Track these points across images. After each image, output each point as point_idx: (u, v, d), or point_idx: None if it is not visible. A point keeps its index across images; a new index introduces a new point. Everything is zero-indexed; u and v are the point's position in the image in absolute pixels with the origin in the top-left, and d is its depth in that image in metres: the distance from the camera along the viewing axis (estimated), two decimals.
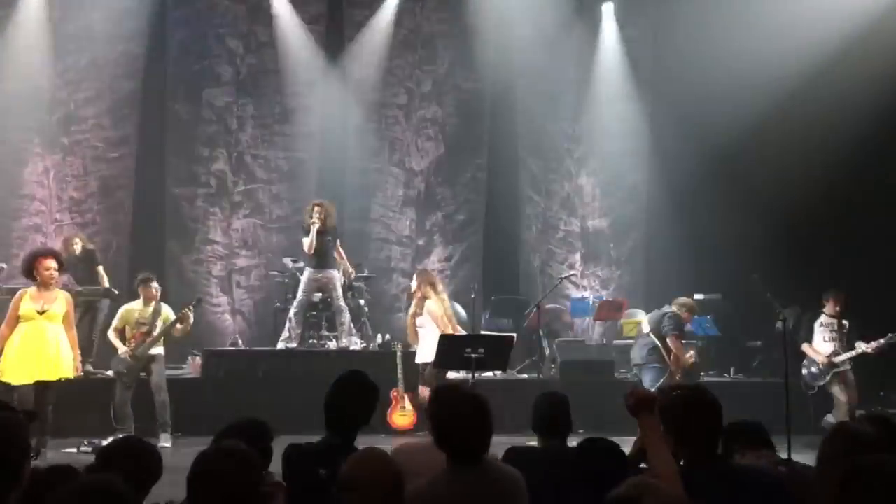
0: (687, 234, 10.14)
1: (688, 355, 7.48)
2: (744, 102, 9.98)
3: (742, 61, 9.88)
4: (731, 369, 9.66)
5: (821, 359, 7.88)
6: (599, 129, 11.01)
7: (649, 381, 7.35)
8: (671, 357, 7.47)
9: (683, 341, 7.72)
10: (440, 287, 7.56)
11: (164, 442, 7.01)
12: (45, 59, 9.50)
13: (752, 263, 8.75)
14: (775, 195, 9.82)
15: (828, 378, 7.84)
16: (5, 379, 6.26)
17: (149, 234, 9.87)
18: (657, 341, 7.56)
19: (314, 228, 8.36)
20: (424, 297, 7.39)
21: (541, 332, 9.16)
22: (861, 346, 7.77)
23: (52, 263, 6.42)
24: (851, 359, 7.81)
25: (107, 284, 8.44)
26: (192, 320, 7.62)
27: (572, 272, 10.56)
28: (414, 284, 7.55)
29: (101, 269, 8.55)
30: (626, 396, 2.75)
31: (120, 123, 9.77)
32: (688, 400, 2.81)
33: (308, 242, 8.41)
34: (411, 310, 7.56)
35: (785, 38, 9.41)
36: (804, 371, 7.98)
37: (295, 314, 8.61)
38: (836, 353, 7.85)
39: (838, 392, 7.83)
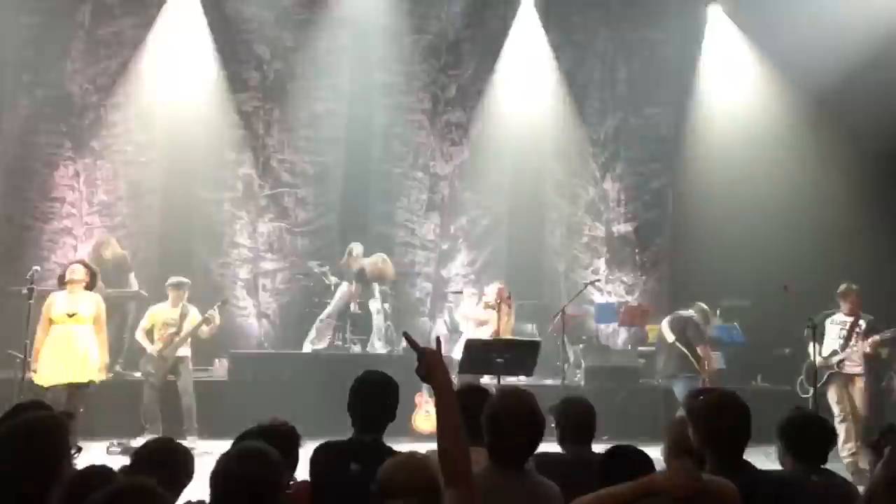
0: (713, 239, 10.06)
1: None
2: (771, 105, 9.94)
3: (771, 64, 9.84)
4: (759, 377, 9.55)
5: (818, 360, 7.24)
6: (624, 133, 10.97)
7: (683, 391, 7.21)
8: (702, 364, 7.41)
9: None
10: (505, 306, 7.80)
11: (191, 444, 7.08)
12: (76, 65, 9.67)
13: (781, 269, 8.68)
14: (802, 199, 9.74)
15: (822, 381, 7.23)
16: (38, 381, 6.37)
17: (176, 237, 9.97)
18: (685, 350, 7.49)
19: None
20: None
21: (565, 338, 9.14)
22: (868, 345, 7.17)
23: (75, 267, 6.59)
24: (860, 362, 7.22)
25: (136, 287, 8.58)
26: (218, 321, 7.73)
27: (597, 277, 10.52)
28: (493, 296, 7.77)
29: (132, 276, 8.71)
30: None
31: (149, 128, 9.90)
32: (718, 403, 2.81)
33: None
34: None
35: (816, 39, 9.33)
36: (802, 374, 7.45)
37: (328, 318, 8.70)
38: (833, 353, 7.29)
39: (832, 398, 7.25)
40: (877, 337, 7.21)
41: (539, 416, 2.72)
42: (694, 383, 7.31)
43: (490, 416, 2.72)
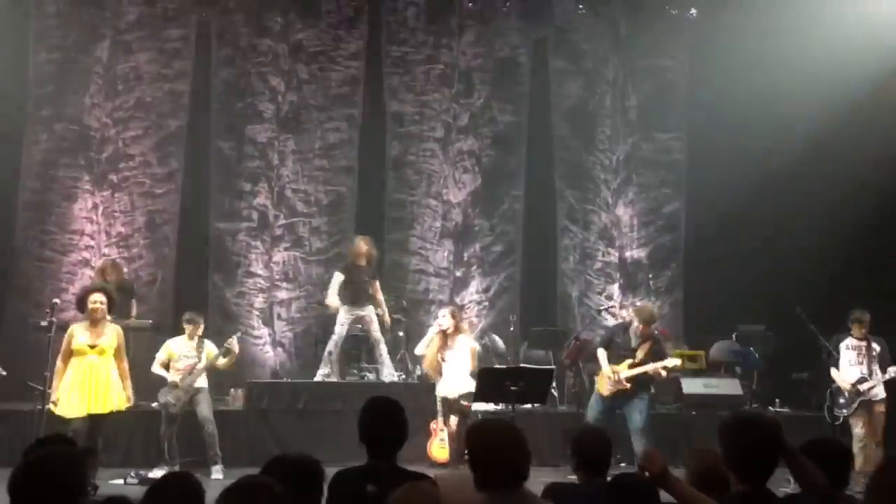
0: (727, 263, 10.05)
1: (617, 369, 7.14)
2: (782, 131, 9.94)
3: (780, 89, 9.86)
4: (777, 401, 9.47)
5: (846, 385, 7.35)
6: (636, 159, 11.02)
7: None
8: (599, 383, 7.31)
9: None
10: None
11: (217, 474, 7.09)
12: (94, 100, 9.87)
13: (797, 293, 8.65)
14: (816, 222, 9.71)
15: (854, 406, 7.29)
16: (60, 413, 6.42)
17: (193, 267, 10.07)
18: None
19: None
20: (459, 332, 7.49)
21: (579, 364, 9.12)
22: (892, 372, 7.29)
23: (97, 297, 6.62)
24: (884, 385, 7.33)
25: (133, 314, 8.68)
26: (237, 350, 7.79)
27: (611, 303, 10.51)
28: (450, 321, 7.55)
29: (133, 301, 8.81)
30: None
31: (166, 160, 10.06)
32: (739, 422, 2.79)
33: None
34: (438, 343, 7.50)
35: (825, 65, 9.37)
36: (828, 401, 7.47)
37: (333, 349, 8.70)
38: (862, 380, 7.35)
39: (857, 423, 7.29)
40: None
41: (517, 437, 2.77)
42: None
43: (471, 453, 2.77)
